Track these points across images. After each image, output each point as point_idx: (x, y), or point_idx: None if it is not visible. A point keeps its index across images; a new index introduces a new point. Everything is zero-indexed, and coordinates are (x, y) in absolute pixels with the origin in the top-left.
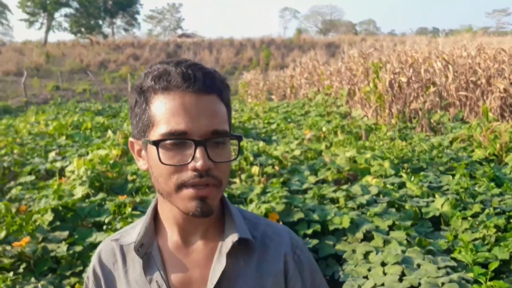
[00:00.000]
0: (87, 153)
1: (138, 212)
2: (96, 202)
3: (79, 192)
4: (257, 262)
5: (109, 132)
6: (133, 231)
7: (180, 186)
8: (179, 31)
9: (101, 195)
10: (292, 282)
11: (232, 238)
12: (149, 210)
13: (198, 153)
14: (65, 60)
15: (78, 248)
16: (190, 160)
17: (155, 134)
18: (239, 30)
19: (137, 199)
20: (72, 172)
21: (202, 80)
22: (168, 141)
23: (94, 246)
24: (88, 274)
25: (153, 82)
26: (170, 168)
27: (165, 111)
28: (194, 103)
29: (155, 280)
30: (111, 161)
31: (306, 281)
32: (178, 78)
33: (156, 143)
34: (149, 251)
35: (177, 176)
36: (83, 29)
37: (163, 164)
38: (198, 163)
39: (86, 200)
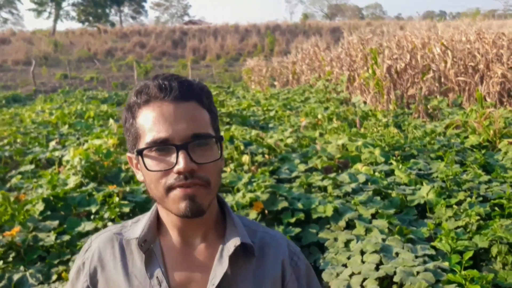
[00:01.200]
0: (85, 142)
1: (126, 202)
2: (87, 192)
3: (72, 181)
4: (256, 267)
5: (111, 121)
6: (135, 227)
7: (169, 189)
8: (186, 18)
9: (91, 184)
10: (289, 286)
11: (234, 242)
12: (153, 209)
13: (180, 156)
14: (73, 48)
15: (66, 237)
16: (174, 164)
17: (142, 145)
18: (245, 15)
19: (127, 188)
20: (68, 161)
21: (177, 88)
22: (152, 149)
23: (82, 235)
24: (78, 263)
25: (135, 98)
26: (158, 174)
27: (147, 122)
28: (172, 111)
29: (156, 276)
30: (105, 151)
31: (302, 286)
32: (155, 90)
33: (140, 152)
34: (151, 248)
35: (165, 180)
36: (90, 18)
37: (150, 171)
38: (180, 166)
39: (78, 190)
